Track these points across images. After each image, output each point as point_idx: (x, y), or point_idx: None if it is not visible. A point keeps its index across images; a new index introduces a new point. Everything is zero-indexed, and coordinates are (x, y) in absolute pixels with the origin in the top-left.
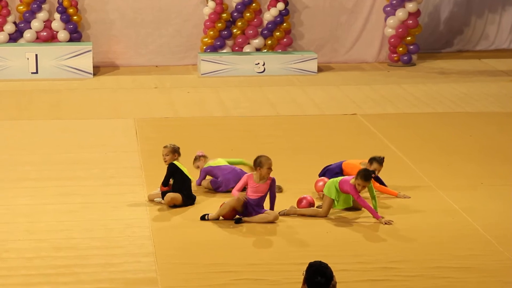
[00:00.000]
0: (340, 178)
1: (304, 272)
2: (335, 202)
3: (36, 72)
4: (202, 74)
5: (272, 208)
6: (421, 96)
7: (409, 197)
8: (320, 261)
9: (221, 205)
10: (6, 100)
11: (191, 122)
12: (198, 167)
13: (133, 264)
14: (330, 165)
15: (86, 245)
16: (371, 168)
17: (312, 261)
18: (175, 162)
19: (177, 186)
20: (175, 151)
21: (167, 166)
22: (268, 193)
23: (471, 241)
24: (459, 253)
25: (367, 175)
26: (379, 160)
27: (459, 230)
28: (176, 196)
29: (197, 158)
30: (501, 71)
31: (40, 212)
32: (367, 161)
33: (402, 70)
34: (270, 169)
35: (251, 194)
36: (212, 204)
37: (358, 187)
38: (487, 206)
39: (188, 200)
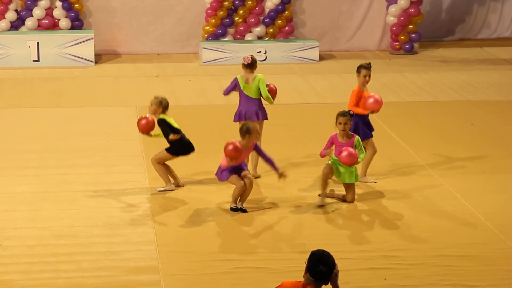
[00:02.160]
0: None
1: (306, 261)
2: (340, 175)
3: (38, 60)
4: (203, 62)
5: (276, 169)
6: (423, 84)
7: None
8: (323, 250)
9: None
10: (7, 88)
11: (192, 110)
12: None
13: (134, 252)
14: None
15: (88, 233)
16: (361, 76)
17: (315, 249)
18: (162, 116)
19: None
20: (161, 104)
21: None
22: (263, 159)
23: (472, 229)
24: (460, 241)
25: (343, 111)
26: (366, 66)
27: (460, 218)
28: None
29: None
30: (503, 59)
31: (42, 200)
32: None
33: (403, 58)
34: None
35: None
36: (212, 193)
37: (339, 127)
38: (488, 194)
39: (185, 149)
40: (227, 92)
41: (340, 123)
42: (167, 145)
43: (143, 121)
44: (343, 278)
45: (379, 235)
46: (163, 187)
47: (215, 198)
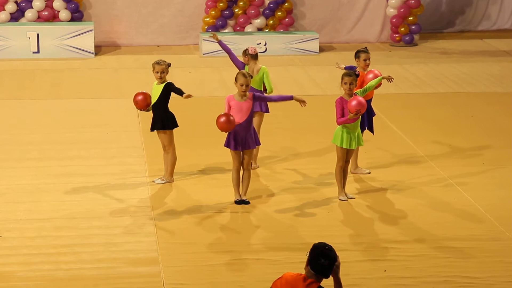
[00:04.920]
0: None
1: (308, 253)
2: (350, 143)
3: (38, 52)
4: (203, 54)
5: (290, 97)
6: (423, 76)
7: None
8: (324, 243)
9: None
10: (7, 80)
11: (192, 102)
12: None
13: (134, 244)
14: None
15: (87, 225)
16: (361, 60)
17: (316, 242)
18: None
19: (166, 110)
20: (169, 67)
21: (162, 84)
22: (273, 101)
23: (472, 221)
24: (460, 233)
25: (349, 72)
26: (364, 50)
27: (460, 210)
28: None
29: (245, 53)
30: (503, 51)
31: (42, 191)
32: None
33: (404, 50)
34: (244, 85)
35: (236, 115)
36: (212, 185)
37: (345, 87)
38: (488, 186)
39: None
40: (233, 58)
41: (346, 83)
42: None
43: (140, 97)
44: (343, 270)
45: (379, 227)
46: (162, 179)
47: (216, 189)
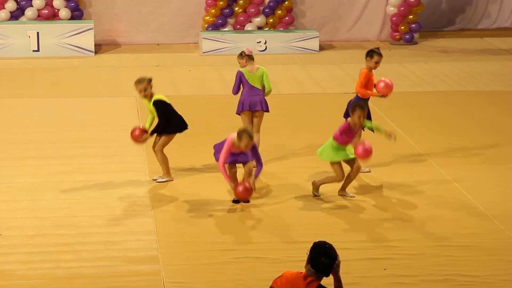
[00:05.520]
0: (331, 138)
1: (308, 252)
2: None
3: (38, 50)
4: (203, 52)
5: (256, 175)
6: (423, 74)
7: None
8: (325, 242)
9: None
10: (7, 78)
11: (192, 100)
12: (239, 63)
13: (134, 242)
14: (351, 100)
15: (87, 223)
16: (372, 61)
17: (317, 241)
18: (158, 96)
19: (167, 120)
20: (150, 83)
21: (150, 101)
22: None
23: (472, 219)
24: (460, 231)
25: (363, 106)
26: (379, 52)
27: (460, 208)
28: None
29: (242, 55)
30: (503, 49)
31: (41, 190)
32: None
33: (404, 48)
34: (248, 147)
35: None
36: (212, 183)
37: (358, 119)
38: (488, 185)
39: (180, 125)
40: (236, 90)
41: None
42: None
43: (137, 132)
44: (343, 268)
45: (379, 225)
46: (162, 177)
47: (215, 188)
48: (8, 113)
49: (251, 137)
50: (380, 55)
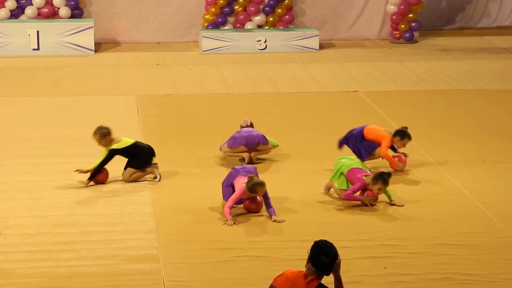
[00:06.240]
0: (350, 166)
1: (309, 251)
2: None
3: (38, 49)
4: (203, 51)
5: (273, 214)
6: (423, 73)
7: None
8: (325, 240)
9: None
10: (7, 77)
11: (192, 99)
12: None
13: (134, 241)
14: (353, 130)
15: (87, 222)
16: (401, 141)
17: (317, 240)
18: (114, 146)
19: (136, 160)
20: (105, 135)
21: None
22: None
23: (472, 218)
24: (460, 230)
25: (386, 179)
26: (407, 133)
27: (460, 207)
28: (138, 174)
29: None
30: (503, 48)
31: (42, 188)
32: (391, 131)
33: (403, 47)
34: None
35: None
36: (212, 182)
37: (378, 191)
38: (488, 183)
39: (146, 159)
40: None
41: (380, 189)
42: (167, 135)
43: (101, 175)
44: (343, 267)
45: (379, 224)
46: (155, 176)
47: (215, 187)
48: (8, 112)
49: (264, 185)
50: (409, 137)
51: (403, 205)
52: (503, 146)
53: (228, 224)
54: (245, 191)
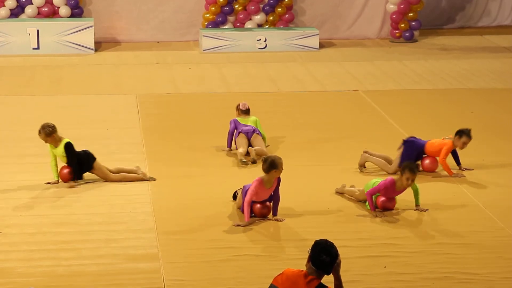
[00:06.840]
0: (378, 181)
1: (309, 250)
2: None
3: (38, 48)
4: (203, 50)
5: (275, 213)
6: (423, 72)
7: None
8: (326, 240)
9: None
10: (7, 76)
11: (192, 98)
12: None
13: (134, 240)
14: (416, 139)
15: (88, 221)
16: (461, 141)
17: (318, 239)
18: (67, 139)
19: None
20: (51, 133)
21: (60, 146)
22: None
23: (472, 217)
24: (460, 229)
25: (413, 169)
26: (468, 133)
27: (459, 206)
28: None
29: (238, 108)
30: (503, 47)
31: (41, 188)
32: (451, 136)
33: (403, 46)
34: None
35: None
36: (212, 181)
37: (406, 182)
38: (488, 183)
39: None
40: (229, 143)
41: (408, 179)
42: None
43: (65, 170)
44: (343, 266)
45: (379, 223)
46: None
47: (216, 186)
48: (8, 111)
49: (281, 159)
50: (469, 136)
51: (427, 210)
52: (503, 145)
53: (240, 226)
54: (262, 181)
